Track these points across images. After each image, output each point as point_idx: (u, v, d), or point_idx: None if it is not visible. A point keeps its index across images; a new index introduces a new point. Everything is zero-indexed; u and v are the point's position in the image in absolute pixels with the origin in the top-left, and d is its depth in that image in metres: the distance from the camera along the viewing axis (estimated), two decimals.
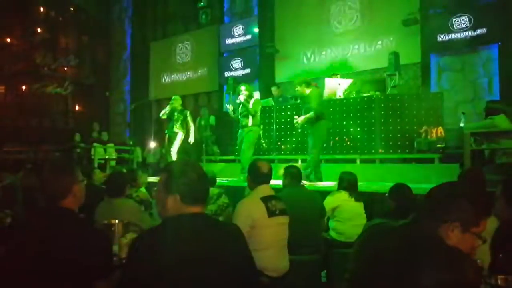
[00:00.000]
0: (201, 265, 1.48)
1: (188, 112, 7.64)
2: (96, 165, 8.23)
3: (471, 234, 1.40)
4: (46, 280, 1.69)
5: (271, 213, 2.73)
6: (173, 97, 7.67)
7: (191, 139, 7.56)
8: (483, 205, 1.45)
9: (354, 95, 7.73)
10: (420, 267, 1.33)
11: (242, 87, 6.33)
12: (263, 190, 2.84)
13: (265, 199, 2.76)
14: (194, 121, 9.34)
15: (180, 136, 7.47)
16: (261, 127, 6.68)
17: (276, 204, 2.80)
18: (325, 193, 4.23)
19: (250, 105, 6.15)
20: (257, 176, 2.89)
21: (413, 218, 1.51)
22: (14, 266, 1.74)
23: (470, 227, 1.39)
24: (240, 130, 6.38)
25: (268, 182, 2.92)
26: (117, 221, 2.64)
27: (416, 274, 1.32)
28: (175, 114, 7.50)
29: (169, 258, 1.46)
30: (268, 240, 2.72)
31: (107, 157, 9.29)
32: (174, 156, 7.45)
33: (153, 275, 1.44)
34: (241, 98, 6.22)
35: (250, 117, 6.17)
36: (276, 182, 6.36)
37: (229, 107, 6.94)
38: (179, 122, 7.46)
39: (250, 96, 6.26)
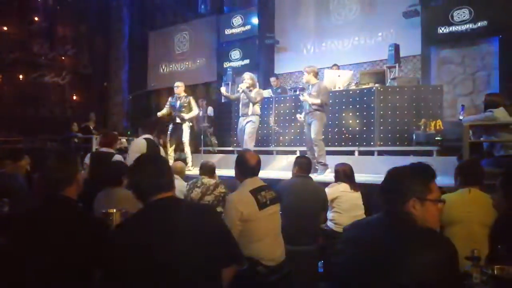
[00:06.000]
0: (175, 242, 1.58)
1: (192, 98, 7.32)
2: None
3: (429, 201, 1.51)
4: (47, 269, 1.70)
5: (261, 205, 2.68)
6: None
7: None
8: (422, 171, 1.57)
9: (354, 87, 7.73)
10: (402, 254, 1.39)
11: (246, 75, 6.36)
12: (251, 183, 2.76)
13: (254, 192, 2.70)
14: None
15: (187, 126, 7.16)
16: (260, 117, 6.69)
17: (265, 195, 2.74)
18: (325, 184, 4.24)
19: (252, 94, 6.19)
20: (245, 168, 2.80)
21: (387, 207, 1.59)
22: (14, 255, 1.75)
23: (425, 195, 1.51)
24: (240, 118, 6.43)
25: (256, 175, 2.84)
26: (115, 210, 2.64)
27: (399, 261, 1.37)
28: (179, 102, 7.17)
29: (145, 238, 1.57)
30: (262, 231, 2.70)
31: None
32: (187, 148, 7.24)
33: (130, 255, 1.54)
34: (242, 86, 6.25)
35: (251, 105, 6.20)
36: (272, 173, 6.42)
37: (222, 90, 7.06)
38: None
39: (253, 85, 6.29)
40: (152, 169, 1.71)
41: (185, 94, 7.27)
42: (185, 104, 7.10)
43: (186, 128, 7.15)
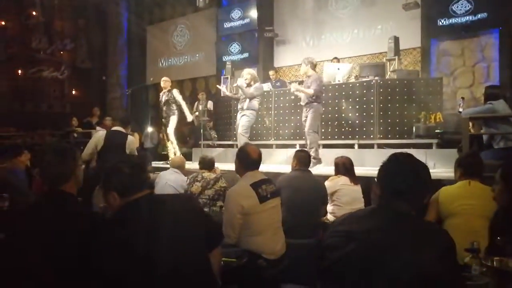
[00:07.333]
0: (161, 235, 1.60)
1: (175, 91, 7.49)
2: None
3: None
4: (45, 264, 1.69)
5: (262, 199, 2.69)
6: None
7: (188, 118, 7.45)
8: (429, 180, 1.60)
9: (353, 80, 7.71)
10: (402, 248, 1.38)
11: (245, 71, 6.42)
12: (252, 176, 2.78)
13: (255, 185, 2.71)
14: (192, 106, 9.30)
15: (174, 118, 7.38)
16: (259, 112, 6.70)
17: (266, 188, 2.76)
18: (325, 178, 4.24)
19: (251, 89, 6.18)
20: (246, 162, 2.81)
21: (382, 201, 1.58)
22: (13, 250, 1.74)
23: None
24: (238, 113, 6.46)
25: (257, 168, 2.86)
26: None
27: (399, 255, 1.36)
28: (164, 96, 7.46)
29: (131, 236, 1.59)
30: (263, 225, 2.71)
31: None
32: (172, 138, 7.41)
33: (119, 254, 1.55)
34: (239, 82, 6.26)
35: (248, 100, 6.21)
36: (272, 167, 6.42)
37: (221, 87, 7.37)
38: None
39: (253, 80, 6.27)
40: (127, 171, 1.75)
41: (170, 88, 7.50)
42: (170, 98, 7.33)
43: (172, 120, 7.34)
